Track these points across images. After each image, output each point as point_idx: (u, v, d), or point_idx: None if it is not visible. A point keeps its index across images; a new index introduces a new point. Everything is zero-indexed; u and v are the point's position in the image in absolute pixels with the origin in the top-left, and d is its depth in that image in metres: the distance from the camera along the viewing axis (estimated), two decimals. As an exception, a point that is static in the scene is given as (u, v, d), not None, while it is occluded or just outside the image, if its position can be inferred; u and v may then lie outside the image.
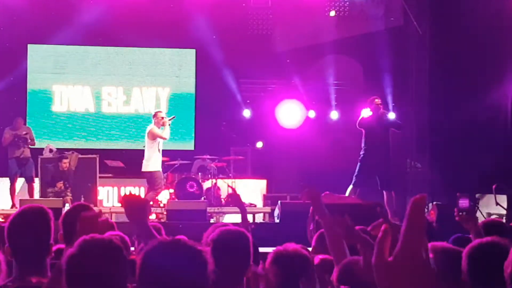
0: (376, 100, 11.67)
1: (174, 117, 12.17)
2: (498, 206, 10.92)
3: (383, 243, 1.61)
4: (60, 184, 12.20)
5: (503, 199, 11.24)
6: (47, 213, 3.43)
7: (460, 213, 4.22)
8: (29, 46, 15.34)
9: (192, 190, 12.50)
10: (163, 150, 13.83)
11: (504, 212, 10.89)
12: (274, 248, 3.55)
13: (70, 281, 2.67)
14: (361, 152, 11.69)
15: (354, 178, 11.59)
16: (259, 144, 15.26)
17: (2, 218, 10.64)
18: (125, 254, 2.66)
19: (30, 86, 15.32)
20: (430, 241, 4.58)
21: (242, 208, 5.37)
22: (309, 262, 3.20)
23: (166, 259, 2.12)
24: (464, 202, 4.21)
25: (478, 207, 11.45)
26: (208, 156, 13.74)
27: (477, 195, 11.66)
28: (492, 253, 2.88)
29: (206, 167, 13.46)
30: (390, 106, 15.44)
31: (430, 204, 11.75)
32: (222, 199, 13.32)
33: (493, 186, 10.83)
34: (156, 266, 2.13)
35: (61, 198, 11.56)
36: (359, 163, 11.60)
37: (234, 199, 5.26)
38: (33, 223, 3.39)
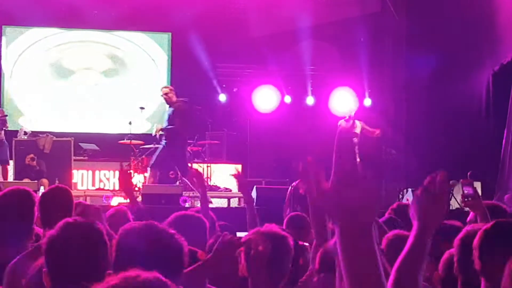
0: None
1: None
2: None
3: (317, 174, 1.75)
4: (28, 158, 12.07)
5: (477, 186, 11.35)
6: (31, 196, 3.39)
7: (466, 199, 4.27)
8: (3, 27, 15.15)
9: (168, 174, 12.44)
10: (138, 134, 13.79)
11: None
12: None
13: (50, 262, 2.66)
14: None
15: None
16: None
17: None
18: (105, 238, 2.65)
19: (4, 68, 15.14)
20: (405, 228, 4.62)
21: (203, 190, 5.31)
22: (288, 240, 3.19)
23: (141, 242, 2.11)
24: (468, 189, 4.27)
25: (452, 194, 11.56)
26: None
27: (451, 182, 11.75)
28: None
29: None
30: (367, 93, 15.51)
31: (405, 190, 11.85)
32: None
33: (468, 173, 10.93)
34: (131, 250, 2.11)
35: (36, 181, 11.46)
36: None
37: (198, 179, 5.18)
38: (16, 206, 3.35)
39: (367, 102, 15.61)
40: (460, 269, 3.04)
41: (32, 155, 12.19)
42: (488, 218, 3.94)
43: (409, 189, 11.54)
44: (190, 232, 3.41)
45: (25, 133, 13.13)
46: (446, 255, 3.27)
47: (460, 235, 3.10)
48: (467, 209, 4.57)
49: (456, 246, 3.06)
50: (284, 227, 4.94)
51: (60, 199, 3.96)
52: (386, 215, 5.24)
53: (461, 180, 4.41)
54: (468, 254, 2.88)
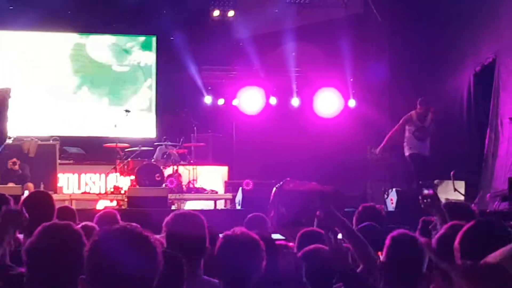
0: None
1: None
2: (456, 192, 11.12)
3: None
4: (10, 163, 12.02)
5: (461, 185, 11.45)
6: (5, 200, 3.40)
7: (425, 200, 4.33)
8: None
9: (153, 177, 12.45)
10: (124, 138, 13.78)
11: (462, 198, 11.09)
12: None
13: (30, 269, 2.67)
14: None
15: None
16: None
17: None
18: (84, 240, 2.66)
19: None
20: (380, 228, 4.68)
21: None
22: (258, 245, 3.22)
23: (114, 246, 2.10)
24: (428, 190, 4.34)
25: (436, 193, 11.65)
26: (169, 143, 13.70)
27: (435, 181, 11.85)
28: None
29: (167, 153, 13.42)
30: (351, 94, 15.59)
31: (390, 190, 11.92)
32: (183, 186, 13.31)
33: (451, 172, 11.03)
34: (103, 254, 2.10)
35: (21, 186, 11.43)
36: None
37: None
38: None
39: (351, 103, 15.70)
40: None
41: (14, 159, 12.13)
42: (446, 220, 3.98)
43: (394, 189, 11.61)
44: (191, 229, 3.47)
45: (9, 137, 13.06)
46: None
47: (437, 235, 3.17)
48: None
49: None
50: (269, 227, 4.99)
51: (41, 204, 3.97)
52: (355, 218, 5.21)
53: (420, 181, 4.53)
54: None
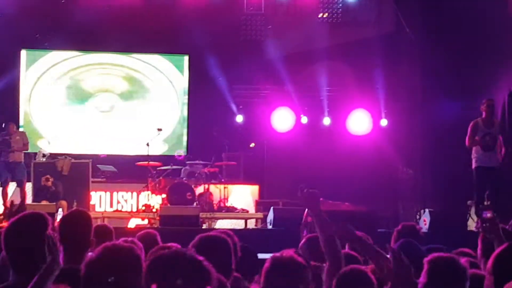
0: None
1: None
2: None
3: None
4: (43, 179, 12.15)
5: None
6: (46, 220, 3.42)
7: (484, 224, 4.26)
8: (22, 51, 15.32)
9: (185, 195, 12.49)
10: (155, 156, 13.86)
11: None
12: (267, 255, 3.56)
13: (87, 286, 2.69)
14: None
15: None
16: (252, 145, 15.34)
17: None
18: (142, 263, 2.67)
19: (23, 91, 15.28)
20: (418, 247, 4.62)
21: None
22: (305, 269, 3.22)
23: (170, 270, 2.14)
24: (487, 213, 4.26)
25: (469, 214, 11.49)
26: (201, 162, 13.75)
27: (468, 202, 11.70)
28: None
29: (198, 172, 13.47)
30: (383, 112, 15.52)
31: (422, 211, 11.80)
32: (214, 205, 13.33)
33: (486, 193, 10.87)
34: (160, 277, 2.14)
35: (54, 203, 11.54)
36: None
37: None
38: (31, 231, 3.37)
39: (383, 122, 15.62)
40: None
41: (47, 176, 12.27)
42: (504, 242, 3.93)
43: (426, 210, 11.49)
44: (215, 253, 3.45)
45: (44, 155, 13.24)
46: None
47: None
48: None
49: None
50: (300, 248, 4.95)
51: (79, 223, 3.99)
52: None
53: (480, 205, 4.45)
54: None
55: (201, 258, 2.22)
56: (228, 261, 3.54)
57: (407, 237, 4.85)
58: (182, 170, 13.62)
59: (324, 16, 15.72)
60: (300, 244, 5.02)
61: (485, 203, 10.76)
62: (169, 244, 4.26)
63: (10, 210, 11.20)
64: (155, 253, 2.72)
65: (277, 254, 3.22)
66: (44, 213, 3.50)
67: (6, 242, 3.38)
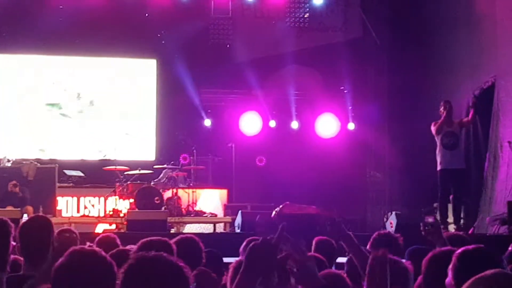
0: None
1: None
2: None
3: None
4: (11, 185, 12.01)
5: (461, 209, 11.40)
6: (7, 226, 3.38)
7: (426, 227, 4.33)
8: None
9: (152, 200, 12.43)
10: (124, 160, 13.77)
11: (461, 221, 11.06)
12: (235, 259, 3.54)
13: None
14: None
15: None
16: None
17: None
18: (115, 270, 2.65)
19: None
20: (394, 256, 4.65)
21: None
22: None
23: (150, 273, 2.13)
24: (429, 217, 4.35)
25: (435, 216, 11.60)
26: (169, 166, 13.70)
27: (434, 205, 11.82)
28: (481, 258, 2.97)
29: (166, 176, 13.42)
30: (350, 117, 15.63)
31: (389, 213, 11.90)
32: (183, 209, 13.29)
33: (450, 196, 11.00)
34: (139, 280, 2.13)
35: (19, 209, 11.40)
36: None
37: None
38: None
39: (351, 126, 15.73)
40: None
41: (14, 182, 12.12)
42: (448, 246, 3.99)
43: (393, 212, 11.58)
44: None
45: (8, 160, 13.08)
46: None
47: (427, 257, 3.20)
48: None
49: (424, 267, 3.18)
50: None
51: (40, 228, 3.95)
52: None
53: (422, 209, 4.57)
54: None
55: (181, 263, 2.21)
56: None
57: (384, 245, 4.85)
58: (162, 173, 13.56)
59: (291, 20, 15.79)
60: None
61: (449, 205, 10.93)
62: (128, 247, 4.24)
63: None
64: (117, 256, 2.69)
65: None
66: (7, 220, 3.46)
67: None
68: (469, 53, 13.07)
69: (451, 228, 10.54)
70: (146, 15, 14.88)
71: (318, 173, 14.54)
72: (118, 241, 5.08)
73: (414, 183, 13.50)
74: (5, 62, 15.31)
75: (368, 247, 5.06)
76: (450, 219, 10.98)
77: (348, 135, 15.64)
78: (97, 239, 5.10)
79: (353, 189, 15.02)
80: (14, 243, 3.62)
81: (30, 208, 11.67)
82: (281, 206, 10.39)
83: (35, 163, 12.83)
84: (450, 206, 11.07)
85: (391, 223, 11.13)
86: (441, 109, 10.95)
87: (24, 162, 12.83)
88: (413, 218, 11.03)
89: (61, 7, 14.27)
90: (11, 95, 15.26)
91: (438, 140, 10.82)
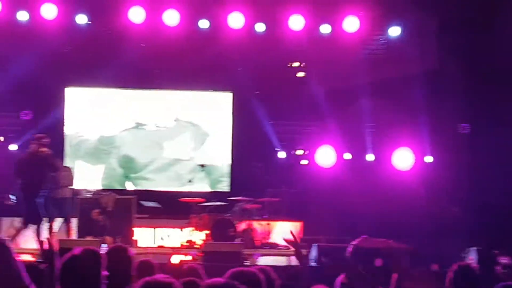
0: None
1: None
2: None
3: None
4: (95, 213, 12.27)
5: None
6: (99, 257, 3.44)
7: (504, 270, 4.20)
8: (66, 89, 15.55)
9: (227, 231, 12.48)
10: (199, 192, 13.90)
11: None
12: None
13: None
14: None
15: None
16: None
17: (33, 257, 10.67)
18: None
19: (67, 129, 15.49)
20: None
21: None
22: None
23: None
24: (505, 259, 4.21)
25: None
26: (243, 198, 13.74)
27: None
28: None
29: (241, 208, 13.46)
30: (428, 150, 15.37)
31: (469, 249, 11.57)
32: (257, 241, 13.26)
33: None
34: None
35: (98, 239, 11.61)
36: None
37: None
38: (87, 267, 3.39)
39: (428, 159, 15.46)
40: None
41: (98, 210, 12.42)
42: None
43: (473, 248, 11.26)
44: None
45: (88, 191, 13.40)
46: None
47: None
48: None
49: None
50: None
51: (120, 258, 4.01)
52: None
53: (495, 251, 4.37)
54: None
55: None
56: None
57: (465, 278, 4.72)
58: (229, 205, 13.64)
59: (367, 52, 15.71)
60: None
61: None
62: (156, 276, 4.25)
63: (42, 250, 11.28)
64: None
65: None
66: (98, 250, 3.53)
67: (62, 278, 3.40)
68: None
69: None
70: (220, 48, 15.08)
71: (393, 206, 14.29)
72: (201, 272, 5.10)
73: (494, 217, 13.13)
74: (85, 94, 15.72)
75: (447, 280, 4.95)
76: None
77: (425, 168, 15.37)
78: (182, 268, 5.13)
79: (429, 223, 14.70)
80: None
81: (109, 239, 11.89)
82: (358, 240, 10.30)
83: (114, 194, 13.10)
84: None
85: (470, 259, 10.82)
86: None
87: (103, 193, 13.12)
88: (494, 254, 10.71)
89: (143, 45, 14.57)
90: (91, 127, 15.63)
91: None
